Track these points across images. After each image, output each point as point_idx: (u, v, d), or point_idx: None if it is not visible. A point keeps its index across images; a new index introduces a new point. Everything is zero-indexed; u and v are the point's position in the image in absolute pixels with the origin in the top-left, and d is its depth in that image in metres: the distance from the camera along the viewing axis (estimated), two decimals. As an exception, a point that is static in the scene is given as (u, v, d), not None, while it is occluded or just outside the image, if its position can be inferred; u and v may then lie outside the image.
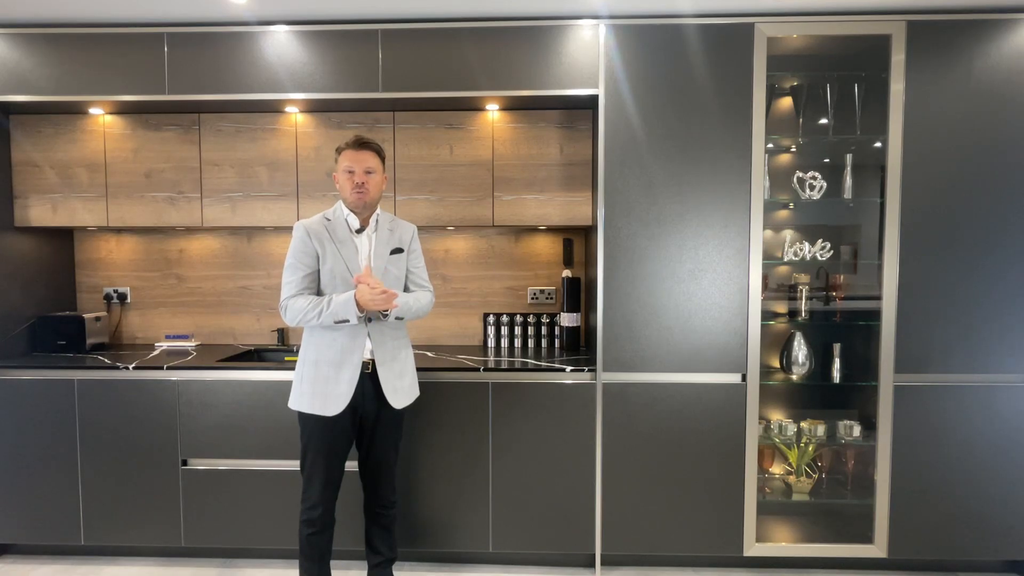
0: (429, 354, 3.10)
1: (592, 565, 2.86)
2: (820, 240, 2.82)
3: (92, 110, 3.05)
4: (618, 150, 2.69)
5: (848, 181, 2.84)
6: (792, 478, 2.96)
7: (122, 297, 3.47)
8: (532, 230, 3.41)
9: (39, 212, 3.13)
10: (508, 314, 3.38)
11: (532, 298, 3.44)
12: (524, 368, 2.79)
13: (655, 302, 2.73)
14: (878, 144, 2.77)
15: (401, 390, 2.39)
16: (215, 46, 2.81)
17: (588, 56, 2.71)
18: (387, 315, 2.29)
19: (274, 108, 3.02)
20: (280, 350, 3.33)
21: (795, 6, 2.63)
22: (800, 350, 2.90)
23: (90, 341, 3.22)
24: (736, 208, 2.69)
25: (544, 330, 3.36)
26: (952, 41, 2.62)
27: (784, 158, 3.08)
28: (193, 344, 3.43)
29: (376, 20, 2.79)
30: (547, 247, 3.43)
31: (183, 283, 3.48)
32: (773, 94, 2.98)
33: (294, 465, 2.76)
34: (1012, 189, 2.64)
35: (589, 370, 2.75)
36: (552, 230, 3.40)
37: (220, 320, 3.47)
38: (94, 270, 3.49)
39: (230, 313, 3.47)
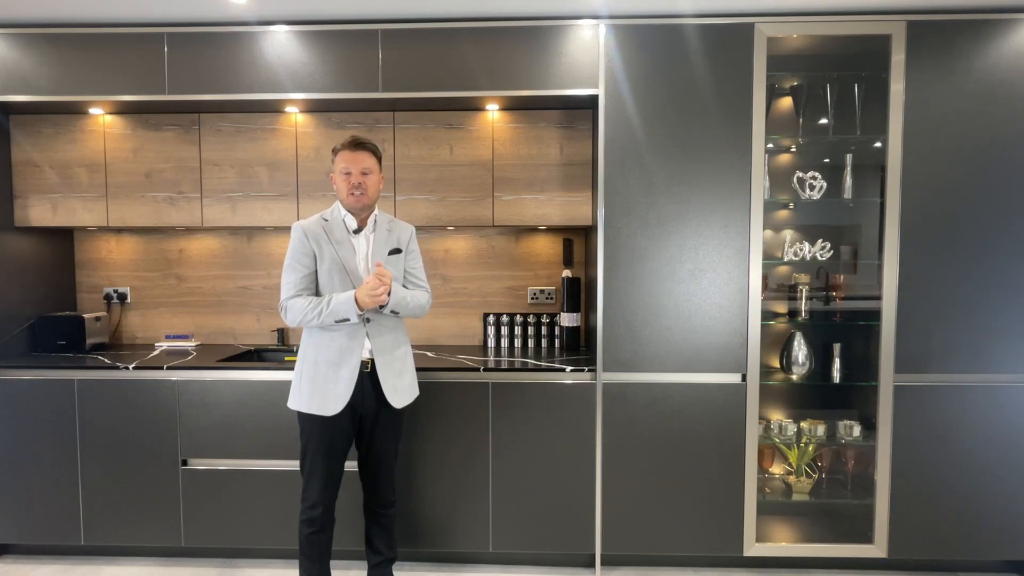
0: (429, 354, 3.10)
1: (592, 565, 2.86)
2: (820, 240, 2.82)
3: (92, 110, 3.05)
4: (618, 150, 2.69)
5: (848, 181, 2.84)
6: (792, 478, 2.96)
7: (122, 297, 3.47)
8: (532, 230, 3.41)
9: (39, 212, 3.13)
10: (508, 314, 3.38)
11: (532, 298, 3.44)
12: (524, 368, 2.79)
13: (655, 302, 2.73)
14: (878, 144, 2.77)
15: (401, 389, 2.39)
16: (215, 46, 2.81)
17: (588, 56, 2.71)
18: (383, 308, 2.29)
19: (274, 108, 3.02)
20: (280, 350, 3.33)
21: (795, 6, 2.63)
22: (800, 350, 2.90)
23: (90, 341, 3.22)
24: (736, 208, 2.69)
25: (544, 330, 3.36)
26: (952, 41, 2.62)
27: (784, 158, 3.08)
28: (193, 344, 3.43)
29: (376, 20, 2.79)
30: (547, 247, 3.43)
31: (183, 283, 3.48)
32: (773, 94, 2.98)
33: (294, 465, 2.75)
34: (1012, 189, 2.64)
35: (589, 370, 2.75)
36: (552, 230, 3.40)
37: (220, 320, 3.47)
38: (94, 270, 3.49)
39: (230, 313, 3.47)
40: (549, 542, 2.80)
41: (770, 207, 3.01)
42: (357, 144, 2.32)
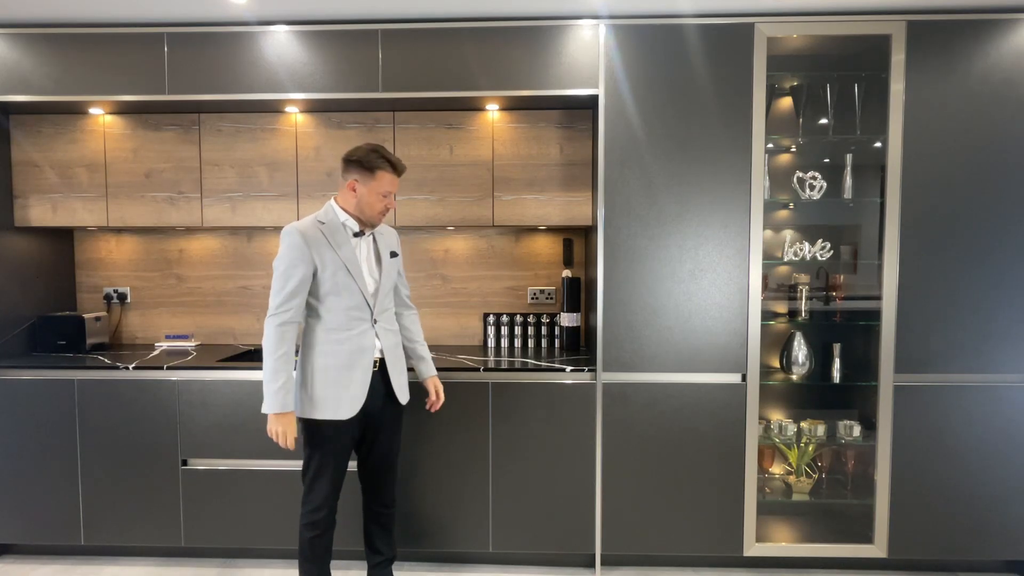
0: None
1: (592, 565, 2.86)
2: (820, 240, 2.82)
3: (92, 110, 3.05)
4: (618, 150, 2.69)
5: (848, 181, 2.84)
6: (792, 478, 2.96)
7: (122, 297, 3.47)
8: (532, 230, 3.41)
9: (39, 212, 3.13)
10: (508, 314, 3.38)
11: (532, 298, 3.44)
12: (524, 368, 2.79)
13: (655, 302, 2.73)
14: (878, 144, 2.77)
15: (404, 386, 2.43)
16: (215, 46, 2.81)
17: (588, 56, 2.71)
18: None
19: (274, 108, 3.02)
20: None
21: (795, 6, 2.63)
22: (800, 350, 2.90)
23: (90, 341, 3.22)
24: (736, 208, 2.69)
25: (544, 330, 3.36)
26: (952, 41, 2.62)
27: (784, 158, 3.08)
28: (193, 344, 3.43)
29: (376, 20, 2.79)
30: (547, 247, 3.43)
31: (183, 283, 3.48)
32: (773, 94, 2.98)
33: (294, 465, 2.76)
34: (1012, 189, 2.64)
35: (589, 370, 2.75)
36: (552, 230, 3.40)
37: (220, 320, 3.47)
38: (94, 270, 3.49)
39: (230, 313, 3.47)
40: (549, 542, 2.80)
41: (770, 207, 3.01)
42: (401, 169, 2.31)
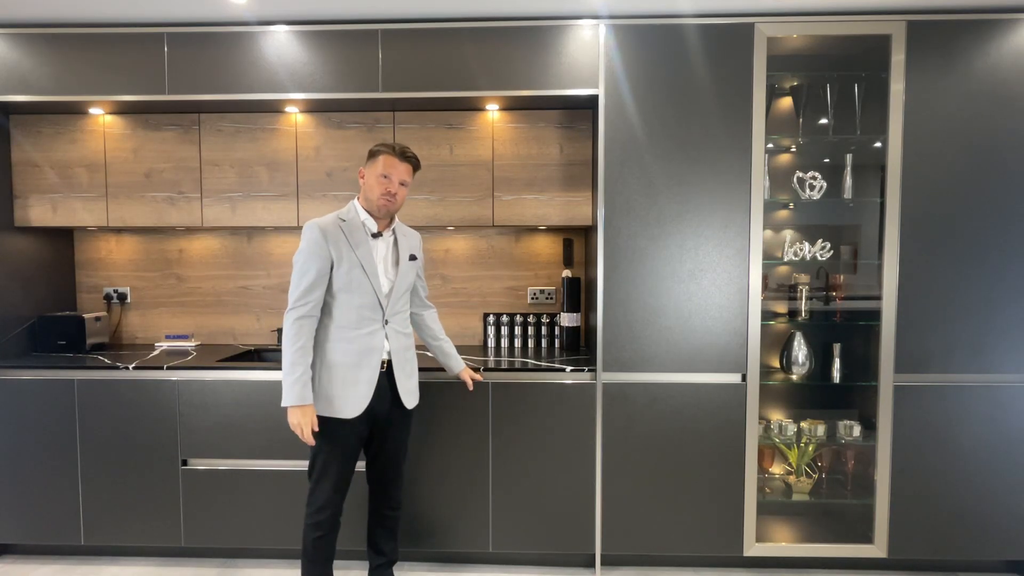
0: (429, 354, 3.10)
1: (592, 565, 2.86)
2: (820, 240, 2.82)
3: (92, 110, 3.05)
4: (618, 150, 2.69)
5: (848, 181, 2.84)
6: (792, 478, 2.96)
7: (122, 297, 3.47)
8: (532, 230, 3.41)
9: (39, 212, 3.13)
10: (508, 314, 3.38)
11: (532, 298, 3.44)
12: (524, 368, 2.79)
13: (655, 302, 2.73)
14: (878, 144, 2.77)
15: (411, 391, 2.43)
16: (215, 46, 2.81)
17: (588, 56, 2.71)
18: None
19: (274, 108, 3.02)
20: (280, 350, 3.32)
21: (795, 6, 2.63)
22: (800, 350, 2.90)
23: (90, 341, 3.22)
24: (736, 208, 2.69)
25: (544, 330, 3.36)
26: (952, 41, 2.62)
27: (784, 158, 3.08)
28: (193, 344, 3.43)
29: (376, 20, 2.79)
30: (547, 247, 3.43)
31: (183, 283, 3.48)
32: (773, 94, 2.98)
33: (294, 465, 2.76)
34: (1012, 189, 2.64)
35: (589, 370, 2.75)
36: (552, 230, 3.40)
37: (220, 320, 3.47)
38: (94, 270, 3.49)
39: (230, 313, 3.47)
40: (549, 542, 2.80)
41: (770, 207, 3.01)
42: (404, 155, 2.31)
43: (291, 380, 2.19)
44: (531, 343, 3.37)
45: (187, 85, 2.82)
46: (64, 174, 3.12)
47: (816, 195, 2.80)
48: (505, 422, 2.77)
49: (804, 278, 2.95)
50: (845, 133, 2.85)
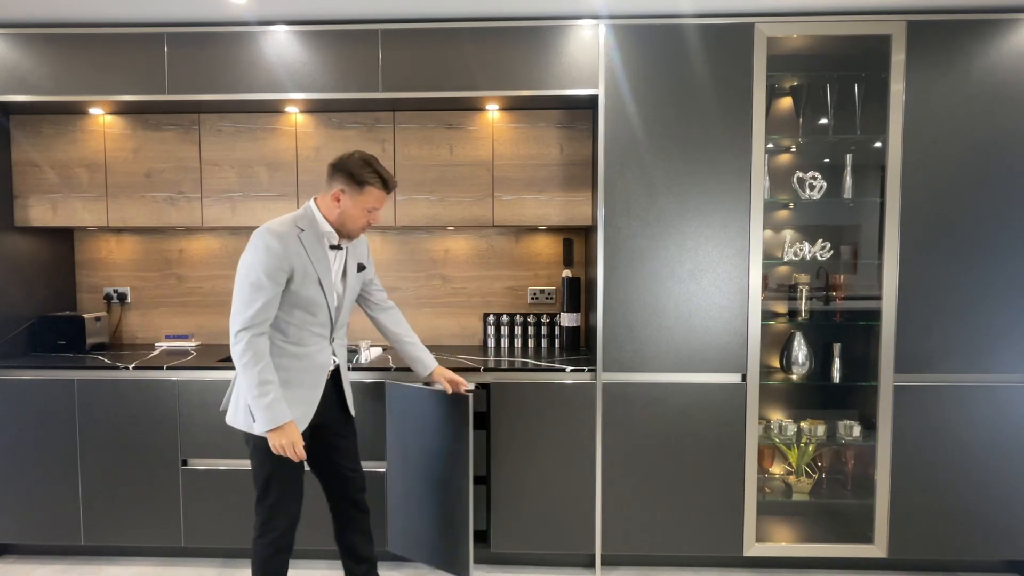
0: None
1: (592, 565, 2.86)
2: (820, 240, 2.82)
3: (92, 110, 3.05)
4: (618, 150, 2.69)
5: (848, 181, 2.84)
6: (792, 478, 2.96)
7: (122, 297, 3.47)
8: (532, 230, 3.41)
9: (39, 212, 3.13)
10: (508, 314, 3.38)
11: (532, 298, 3.44)
12: (524, 368, 2.79)
13: (655, 302, 2.73)
14: (878, 144, 2.77)
15: (351, 398, 2.36)
16: (215, 46, 2.81)
17: (588, 56, 2.71)
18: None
19: (274, 108, 3.02)
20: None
21: (795, 6, 2.63)
22: (800, 350, 2.90)
23: (90, 341, 3.22)
24: (736, 208, 2.69)
25: (544, 330, 3.36)
26: (952, 41, 2.62)
27: (784, 158, 3.08)
28: (193, 344, 3.43)
29: (376, 20, 2.79)
30: (547, 247, 3.43)
31: (183, 283, 3.48)
32: (773, 94, 2.98)
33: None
34: (1012, 189, 2.64)
35: (589, 370, 2.75)
36: (552, 230, 3.40)
37: (220, 320, 3.47)
38: (94, 270, 3.49)
39: (230, 313, 3.46)
40: (549, 542, 2.80)
41: (770, 207, 3.01)
42: (392, 187, 2.19)
43: (266, 403, 2.00)
44: (531, 343, 3.37)
45: (187, 85, 2.82)
46: (64, 174, 3.12)
47: (816, 195, 2.80)
48: (505, 422, 2.77)
49: (804, 278, 2.95)
50: (845, 133, 2.86)
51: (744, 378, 2.72)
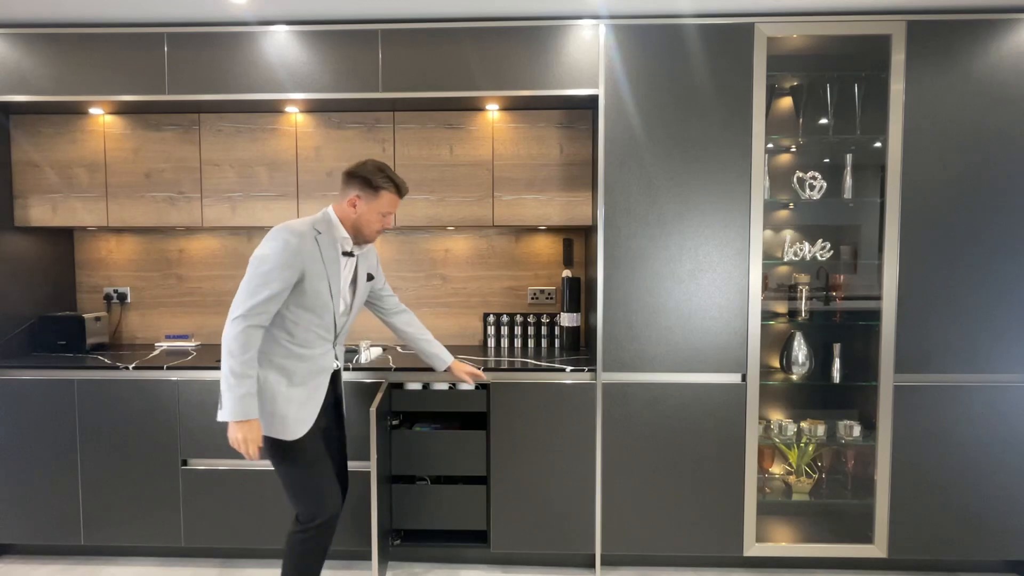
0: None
1: (592, 565, 2.86)
2: (820, 240, 2.82)
3: (92, 110, 3.05)
4: (618, 150, 2.69)
5: (848, 181, 2.84)
6: (792, 478, 2.96)
7: (122, 297, 3.47)
8: (532, 230, 3.41)
9: (39, 212, 3.13)
10: (508, 314, 3.38)
11: (532, 298, 3.44)
12: (524, 368, 2.79)
13: (655, 302, 2.73)
14: (878, 144, 2.77)
15: (343, 398, 2.41)
16: (215, 46, 2.81)
17: (588, 56, 2.71)
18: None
19: (274, 108, 3.02)
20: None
21: (795, 6, 2.63)
22: (800, 350, 2.90)
23: (90, 341, 3.22)
24: (736, 208, 2.69)
25: (544, 330, 3.36)
26: (952, 41, 2.62)
27: (784, 158, 3.08)
28: (193, 344, 3.43)
29: (376, 20, 2.79)
30: (547, 247, 3.43)
31: (183, 283, 3.48)
32: (773, 94, 2.98)
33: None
34: (1012, 189, 2.64)
35: (589, 370, 2.75)
36: (552, 230, 3.40)
37: (220, 320, 3.47)
38: (94, 270, 3.49)
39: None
40: (549, 542, 2.80)
41: (770, 207, 3.01)
42: (405, 191, 2.27)
43: (239, 393, 1.99)
44: (531, 343, 3.37)
45: (187, 85, 2.82)
46: (64, 174, 3.12)
47: (816, 195, 2.80)
48: (505, 422, 2.77)
49: (804, 278, 2.95)
50: (845, 133, 2.86)
51: (744, 378, 2.72)
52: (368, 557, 2.75)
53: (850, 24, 2.64)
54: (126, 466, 2.83)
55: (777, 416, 3.04)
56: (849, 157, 2.83)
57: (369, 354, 3.07)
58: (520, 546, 2.81)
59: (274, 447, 2.15)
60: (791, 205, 3.06)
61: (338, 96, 2.81)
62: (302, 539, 2.21)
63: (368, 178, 2.19)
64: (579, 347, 3.26)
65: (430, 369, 2.75)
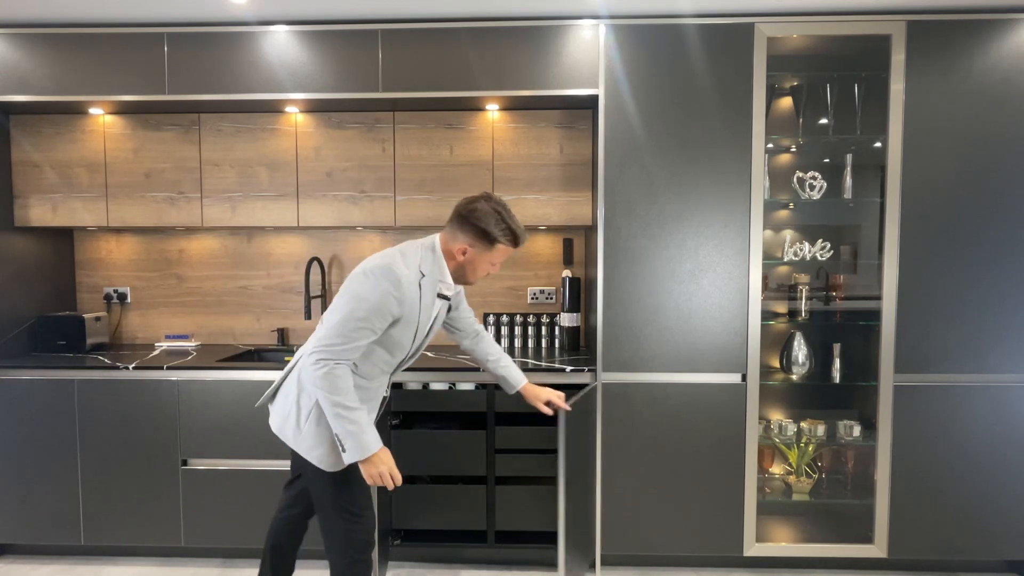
0: (429, 354, 3.10)
1: (592, 565, 2.86)
2: (820, 240, 2.82)
3: (92, 110, 3.05)
4: (618, 150, 2.69)
5: (848, 181, 2.84)
6: (792, 478, 2.96)
7: (122, 297, 3.47)
8: (532, 230, 3.41)
9: (39, 212, 3.13)
10: (508, 314, 3.38)
11: (532, 298, 3.44)
12: (524, 368, 2.79)
13: (655, 302, 2.73)
14: (878, 144, 2.77)
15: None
16: (215, 46, 2.81)
17: (588, 56, 2.71)
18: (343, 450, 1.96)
19: (274, 108, 3.02)
20: (280, 350, 3.33)
21: (795, 6, 2.63)
22: (800, 350, 2.90)
23: (90, 341, 3.22)
24: (736, 208, 2.69)
25: (544, 330, 3.36)
26: (952, 41, 2.62)
27: (784, 158, 3.08)
28: (193, 344, 3.43)
29: (376, 20, 2.79)
30: (547, 247, 3.43)
31: (183, 283, 3.48)
32: (773, 94, 2.98)
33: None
34: (1012, 189, 2.64)
35: (589, 370, 2.75)
36: (552, 230, 3.40)
37: (220, 320, 3.47)
38: (94, 270, 3.49)
39: (230, 313, 3.47)
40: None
41: (770, 207, 3.01)
42: (523, 242, 2.08)
43: (354, 430, 1.90)
44: (531, 343, 3.37)
45: (187, 85, 2.83)
46: (64, 174, 3.12)
47: (816, 195, 2.80)
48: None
49: (804, 278, 2.95)
50: (845, 133, 2.86)
51: (744, 378, 2.72)
52: (368, 557, 2.75)
53: (850, 24, 2.64)
54: (126, 466, 2.83)
55: (777, 416, 3.04)
56: (849, 157, 2.83)
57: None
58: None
59: (331, 476, 2.04)
60: (791, 205, 3.06)
61: (338, 96, 2.81)
62: (356, 566, 2.06)
63: (487, 230, 2.00)
64: (579, 347, 3.26)
65: (430, 369, 2.76)
